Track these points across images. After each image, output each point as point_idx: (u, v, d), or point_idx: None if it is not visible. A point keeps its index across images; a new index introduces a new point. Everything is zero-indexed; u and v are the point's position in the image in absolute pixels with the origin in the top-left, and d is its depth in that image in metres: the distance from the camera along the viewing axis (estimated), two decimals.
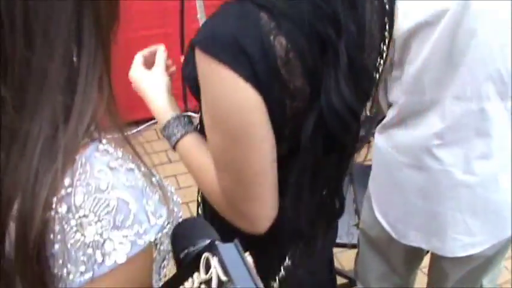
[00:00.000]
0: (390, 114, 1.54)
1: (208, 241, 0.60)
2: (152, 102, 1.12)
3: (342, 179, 1.11)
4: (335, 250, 2.41)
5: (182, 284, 0.59)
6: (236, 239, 0.58)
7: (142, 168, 0.69)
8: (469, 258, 1.53)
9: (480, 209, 1.45)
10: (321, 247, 1.14)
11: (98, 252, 0.61)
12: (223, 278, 0.54)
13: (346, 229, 1.99)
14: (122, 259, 0.62)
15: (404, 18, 1.31)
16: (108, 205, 0.61)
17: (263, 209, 0.98)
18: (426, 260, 1.84)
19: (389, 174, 1.57)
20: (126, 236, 0.62)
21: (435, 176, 1.44)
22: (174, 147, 1.08)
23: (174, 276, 0.63)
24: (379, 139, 1.59)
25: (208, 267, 0.56)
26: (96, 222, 0.61)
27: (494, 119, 1.36)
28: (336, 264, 2.46)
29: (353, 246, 1.97)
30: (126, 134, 0.68)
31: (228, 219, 1.02)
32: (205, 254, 0.57)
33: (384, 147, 1.57)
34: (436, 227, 1.51)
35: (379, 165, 1.63)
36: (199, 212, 1.27)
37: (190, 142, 1.06)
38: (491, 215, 1.47)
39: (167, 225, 0.71)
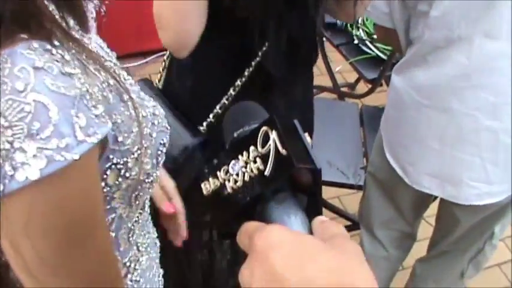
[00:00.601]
0: (410, 52, 1.44)
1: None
2: None
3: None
4: (339, 192, 2.40)
5: (236, 157, 0.55)
6: (296, 120, 0.54)
7: (111, 81, 0.60)
8: (483, 206, 1.47)
9: (501, 156, 1.37)
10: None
11: (8, 164, 0.52)
12: (283, 151, 0.50)
13: (353, 171, 1.95)
14: (35, 175, 0.53)
15: None
16: (22, 109, 0.52)
17: (187, 24, 1.11)
18: (430, 209, 1.79)
19: (406, 116, 1.49)
20: (42, 149, 0.53)
21: (457, 119, 1.36)
22: None
23: (226, 150, 0.58)
24: (397, 79, 1.51)
25: (265, 142, 0.52)
26: (6, 128, 0.52)
27: None
28: (340, 206, 2.44)
29: (359, 187, 1.92)
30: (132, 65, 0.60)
31: (161, 39, 1.14)
32: (264, 128, 0.53)
33: (402, 87, 1.48)
34: (451, 172, 1.45)
35: (395, 107, 1.55)
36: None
37: None
38: None
39: (137, 150, 0.63)
